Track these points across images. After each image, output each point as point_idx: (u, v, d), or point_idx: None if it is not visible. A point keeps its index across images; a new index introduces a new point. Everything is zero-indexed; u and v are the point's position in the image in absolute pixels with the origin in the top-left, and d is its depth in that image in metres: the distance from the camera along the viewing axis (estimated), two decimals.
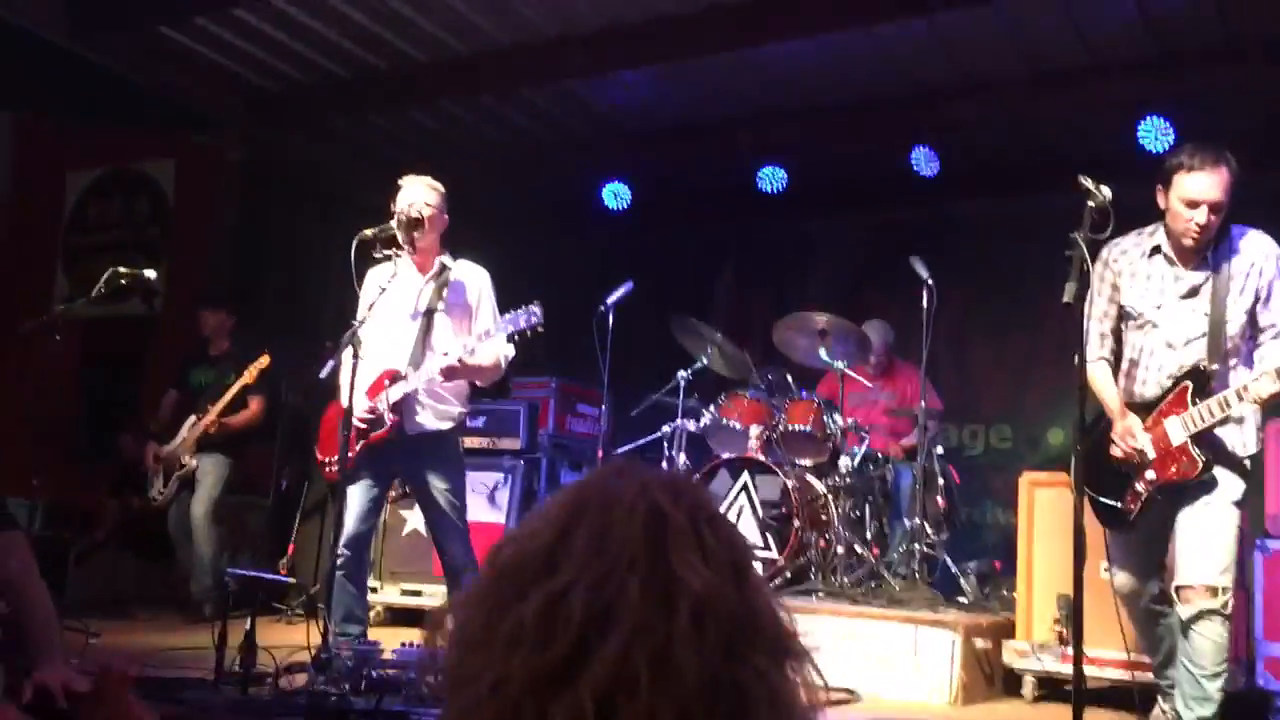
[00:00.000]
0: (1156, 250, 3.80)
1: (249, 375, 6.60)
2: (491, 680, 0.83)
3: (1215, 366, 3.66)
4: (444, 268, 4.72)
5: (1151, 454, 3.72)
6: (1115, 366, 3.93)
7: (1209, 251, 3.72)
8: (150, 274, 5.41)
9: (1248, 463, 3.73)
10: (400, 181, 4.71)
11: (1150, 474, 3.73)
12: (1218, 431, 3.67)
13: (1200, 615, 3.56)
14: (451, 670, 0.88)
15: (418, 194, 4.64)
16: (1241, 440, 3.72)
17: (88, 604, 5.96)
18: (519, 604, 0.85)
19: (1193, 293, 3.74)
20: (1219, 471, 3.64)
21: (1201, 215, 3.61)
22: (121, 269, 5.19)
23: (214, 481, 6.63)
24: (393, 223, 4.54)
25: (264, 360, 6.60)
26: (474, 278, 4.76)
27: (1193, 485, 3.65)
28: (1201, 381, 3.66)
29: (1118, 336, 3.91)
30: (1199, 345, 3.70)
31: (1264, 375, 3.51)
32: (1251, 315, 3.70)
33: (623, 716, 0.81)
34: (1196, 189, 3.60)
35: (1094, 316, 3.85)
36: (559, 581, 0.85)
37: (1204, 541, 3.61)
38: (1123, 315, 3.88)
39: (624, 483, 0.92)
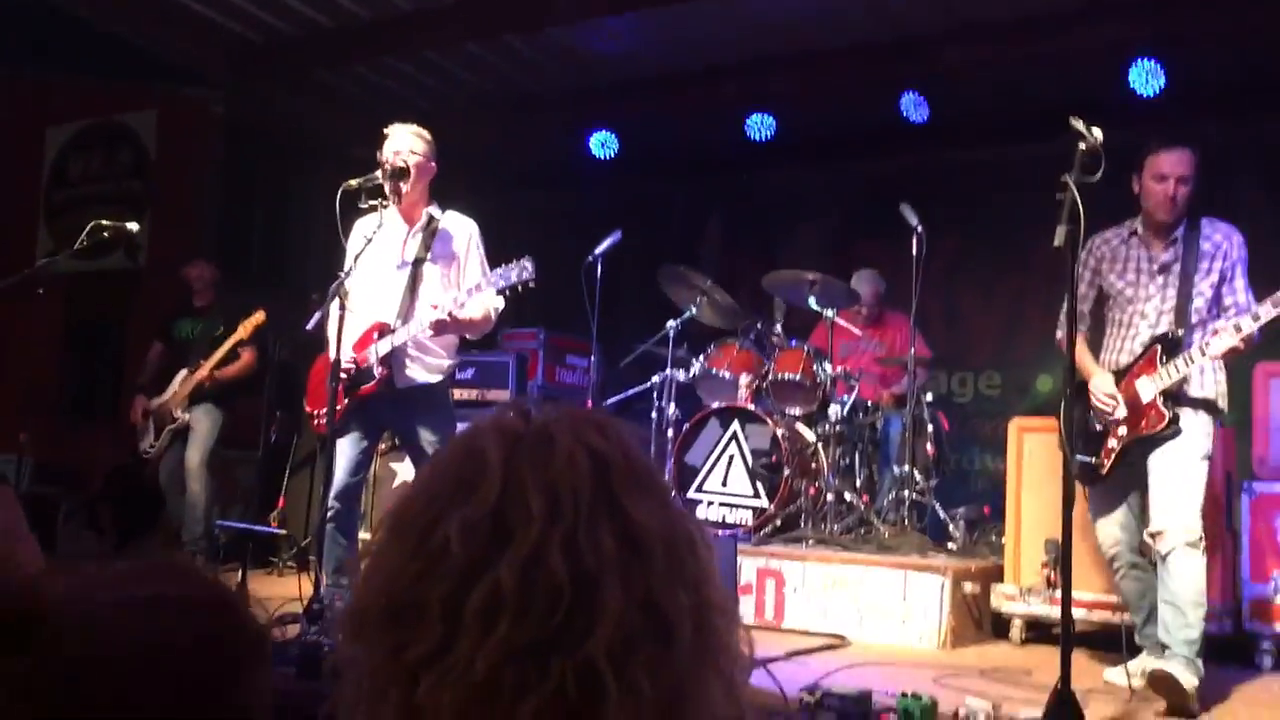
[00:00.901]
0: (1134, 234, 4.19)
1: (244, 330, 6.55)
2: (466, 655, 0.79)
3: (1182, 332, 3.99)
4: (432, 218, 4.66)
5: (1124, 411, 4.00)
6: (1092, 345, 4.25)
7: (1179, 234, 4.10)
8: (133, 226, 5.35)
9: (1211, 425, 4.00)
10: (386, 130, 4.64)
11: (1123, 430, 4.00)
12: (1186, 389, 3.97)
13: (1175, 549, 3.79)
14: (376, 657, 0.83)
15: (404, 142, 4.57)
16: (1205, 381, 4.01)
17: (77, 561, 5.96)
18: (483, 572, 0.80)
19: (1164, 269, 4.10)
20: (1187, 422, 3.92)
21: (1170, 187, 4.00)
22: (104, 221, 5.13)
23: (208, 431, 6.60)
24: (378, 173, 4.48)
25: (259, 316, 6.54)
26: (462, 228, 4.71)
27: (1163, 436, 3.93)
28: (1170, 346, 3.97)
29: (1097, 315, 4.28)
30: (1169, 317, 4.05)
31: (1223, 331, 3.83)
32: (1217, 293, 4.06)
33: (630, 670, 0.79)
34: (1166, 164, 4.01)
35: (1070, 298, 3.97)
36: (527, 544, 0.81)
37: (1175, 490, 3.88)
38: (1101, 298, 4.26)
39: (548, 428, 0.87)
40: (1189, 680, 3.66)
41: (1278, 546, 4.73)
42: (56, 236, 8.78)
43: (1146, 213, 4.11)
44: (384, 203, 4.52)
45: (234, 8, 7.16)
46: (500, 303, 4.55)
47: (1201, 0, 6.31)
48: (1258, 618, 4.69)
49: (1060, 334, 4.04)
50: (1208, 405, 3.98)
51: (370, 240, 4.44)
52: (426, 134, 4.65)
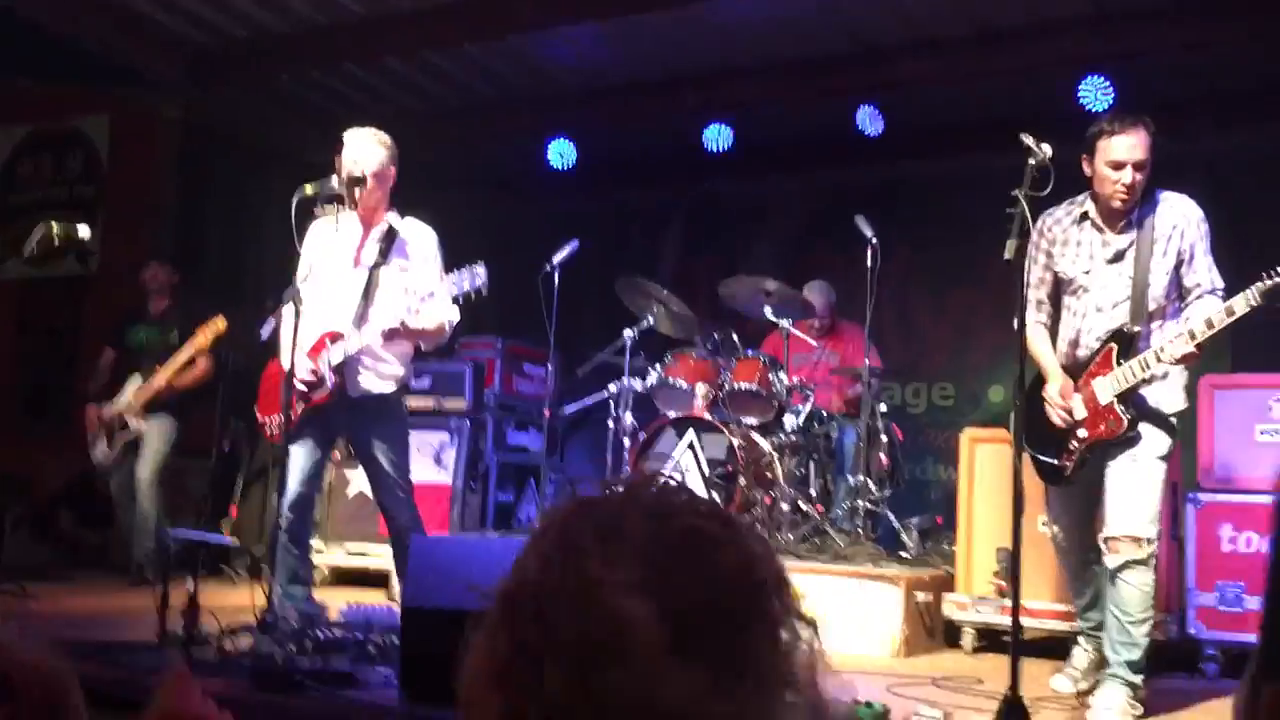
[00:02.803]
0: (1085, 217, 3.93)
1: (203, 338, 6.43)
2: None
3: (1139, 328, 3.81)
4: (390, 226, 4.62)
5: (1082, 413, 3.85)
6: (1053, 331, 4.06)
7: (1133, 216, 3.85)
8: (83, 230, 5.27)
9: (1174, 419, 3.88)
10: (343, 135, 4.59)
11: (1082, 432, 3.86)
12: (1143, 390, 3.81)
13: (1126, 565, 3.71)
14: None
15: (361, 148, 4.52)
16: (1168, 398, 3.86)
17: (25, 570, 5.87)
18: None
19: (1118, 257, 3.87)
20: (1145, 428, 3.79)
21: (1127, 175, 3.74)
22: (53, 226, 5.06)
23: (159, 445, 6.51)
24: (333, 179, 4.44)
25: (220, 323, 6.41)
26: (420, 236, 4.66)
27: (1120, 441, 3.80)
28: (1125, 343, 3.80)
29: (1055, 302, 4.05)
30: (1124, 308, 3.84)
31: (1179, 337, 3.65)
32: (1176, 277, 3.84)
33: None
34: (1120, 150, 3.74)
35: (1030, 284, 3.96)
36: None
37: (1130, 495, 3.77)
38: (1058, 282, 4.01)
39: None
40: (1129, 712, 3.66)
41: (1222, 555, 4.82)
42: (6, 242, 8.65)
43: (1099, 200, 3.88)
44: (340, 208, 4.49)
45: (189, 12, 7.10)
46: (455, 314, 4.52)
47: (1151, 18, 6.42)
48: (1203, 625, 4.77)
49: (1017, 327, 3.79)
50: (1164, 420, 3.85)
51: (326, 245, 4.41)
52: (386, 138, 4.60)
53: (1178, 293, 3.86)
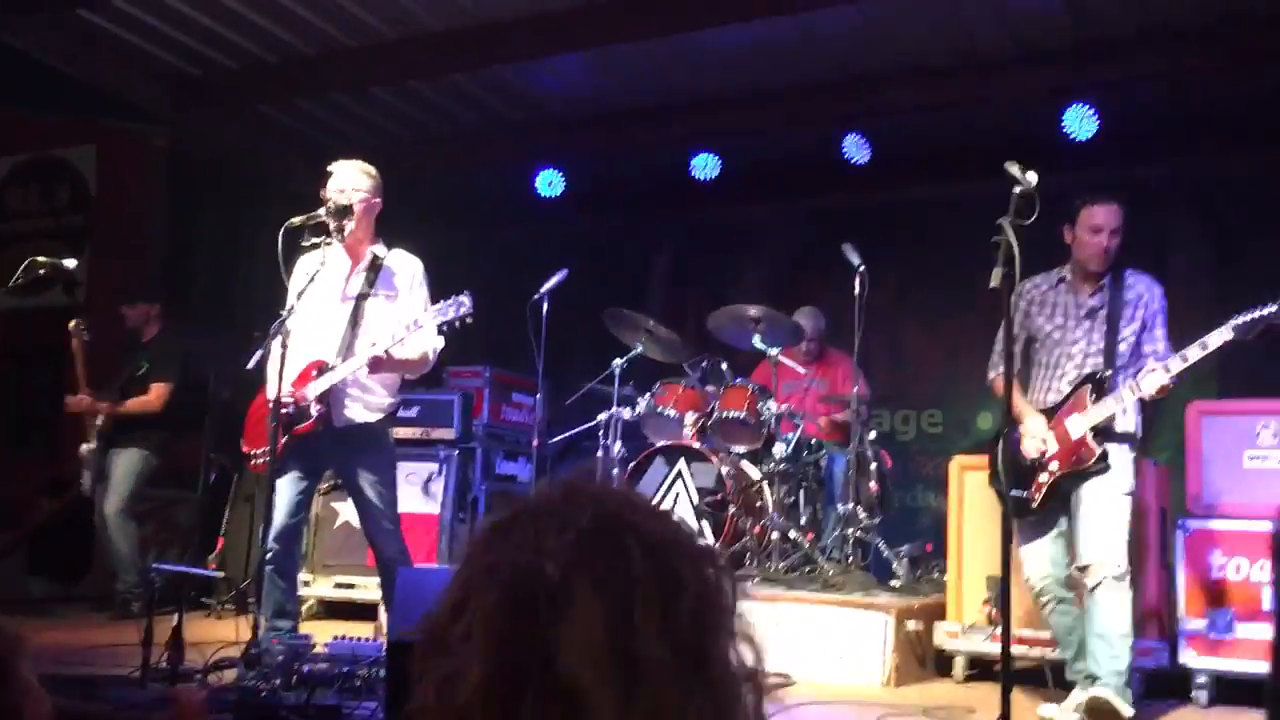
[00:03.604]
0: (1062, 281, 4.38)
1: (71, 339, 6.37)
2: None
3: (1110, 373, 4.19)
4: (376, 256, 4.62)
5: (1055, 447, 4.16)
6: (1024, 383, 4.39)
7: (1106, 280, 4.29)
8: (70, 263, 5.28)
9: (1132, 462, 4.22)
10: (330, 167, 4.60)
11: (1054, 464, 4.16)
12: (1111, 431, 4.16)
13: (1103, 582, 3.97)
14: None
15: (348, 179, 4.53)
16: (1128, 420, 4.21)
17: (9, 603, 5.81)
18: None
19: (1091, 314, 4.29)
20: (1113, 458, 4.11)
21: (1105, 239, 4.20)
22: (40, 258, 5.05)
23: (123, 475, 6.43)
24: (321, 210, 4.44)
25: (72, 324, 6.37)
26: (406, 266, 4.66)
27: (1091, 471, 4.11)
28: (1098, 386, 4.16)
29: (1024, 357, 4.41)
30: (1096, 358, 4.23)
31: (1153, 372, 4.01)
32: (1137, 340, 4.25)
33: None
34: (1099, 216, 4.20)
35: (1005, 339, 4.09)
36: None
37: (1101, 527, 4.07)
38: (1030, 339, 4.41)
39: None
40: (1125, 708, 3.77)
41: (1212, 582, 4.81)
42: None
43: (1078, 261, 4.28)
44: (327, 240, 4.48)
45: (176, 42, 7.11)
46: (440, 343, 4.50)
47: (1133, 48, 6.47)
48: (1194, 652, 4.75)
49: (992, 374, 4.34)
50: (1130, 439, 4.19)
51: (313, 277, 4.40)
52: (372, 170, 4.62)
53: (1137, 356, 4.24)
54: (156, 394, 6.53)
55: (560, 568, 0.82)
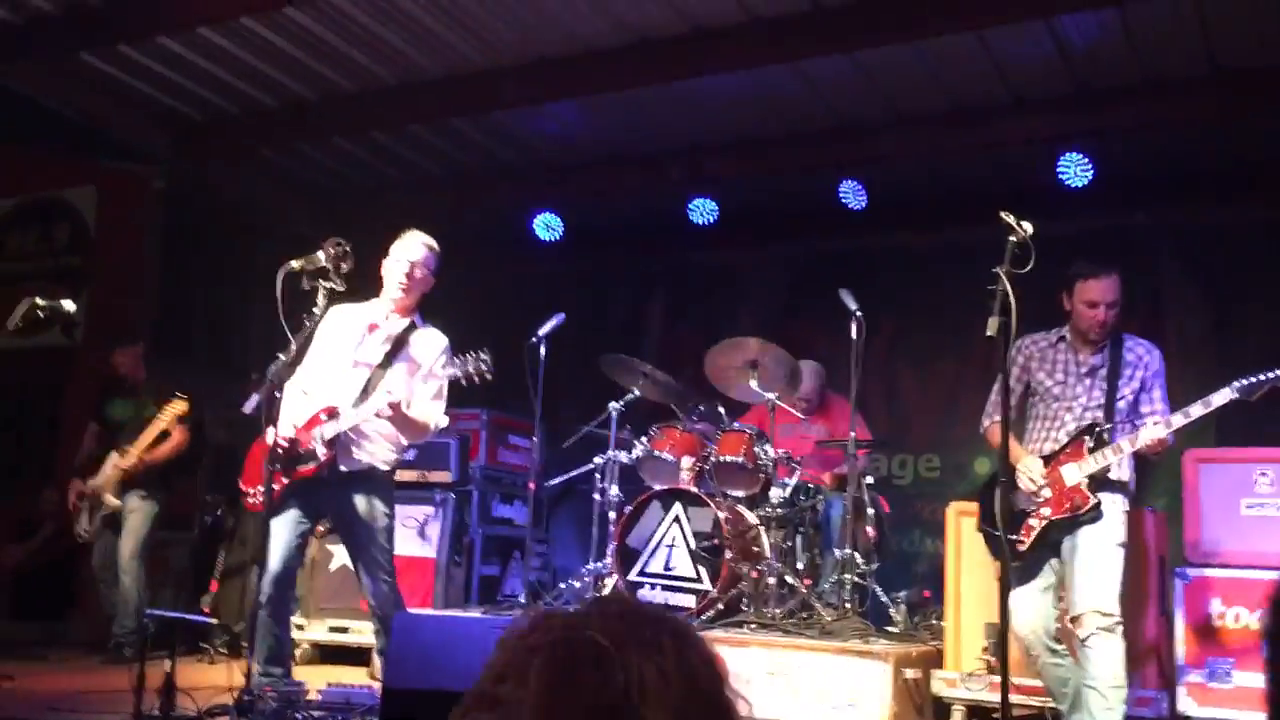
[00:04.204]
0: (1062, 339, 4.41)
1: (168, 419, 6.38)
2: None
3: (1110, 426, 4.22)
4: (412, 326, 4.70)
5: (1048, 494, 4.17)
6: (1020, 435, 4.43)
7: (1106, 344, 4.33)
8: (68, 305, 5.29)
9: (1131, 484, 4.28)
10: (401, 233, 4.77)
11: (1046, 510, 4.17)
12: (1105, 481, 4.17)
13: (1096, 632, 3.95)
14: None
15: (415, 252, 4.71)
16: (1121, 471, 4.23)
17: (4, 645, 5.78)
18: None
19: (1091, 372, 4.33)
20: (1107, 507, 4.11)
21: (1101, 313, 4.23)
22: (39, 300, 5.07)
23: (140, 522, 6.44)
24: (320, 254, 4.45)
25: (182, 405, 6.36)
26: (433, 342, 4.74)
27: (1083, 519, 4.11)
28: (1098, 436, 4.18)
29: (1019, 409, 4.45)
30: (1096, 412, 4.27)
31: (1155, 425, 4.06)
32: (1135, 399, 4.29)
33: None
34: (1095, 292, 4.23)
35: (1002, 389, 4.10)
36: None
37: (1094, 575, 4.07)
38: (1029, 392, 4.45)
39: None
40: None
41: (1211, 630, 4.79)
42: None
43: (1076, 330, 4.33)
44: (324, 283, 4.48)
45: (177, 85, 7.17)
46: (444, 421, 4.61)
47: (1129, 98, 6.53)
48: (1193, 701, 4.72)
49: (986, 423, 4.38)
50: (1124, 490, 4.22)
51: (339, 329, 4.47)
52: (435, 245, 4.74)
53: (1134, 416, 4.27)
54: (181, 435, 6.55)
55: (609, 639, 0.88)
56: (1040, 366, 4.40)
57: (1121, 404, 4.24)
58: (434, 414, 4.54)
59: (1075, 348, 4.36)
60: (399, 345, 4.63)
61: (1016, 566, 4.18)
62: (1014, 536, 4.14)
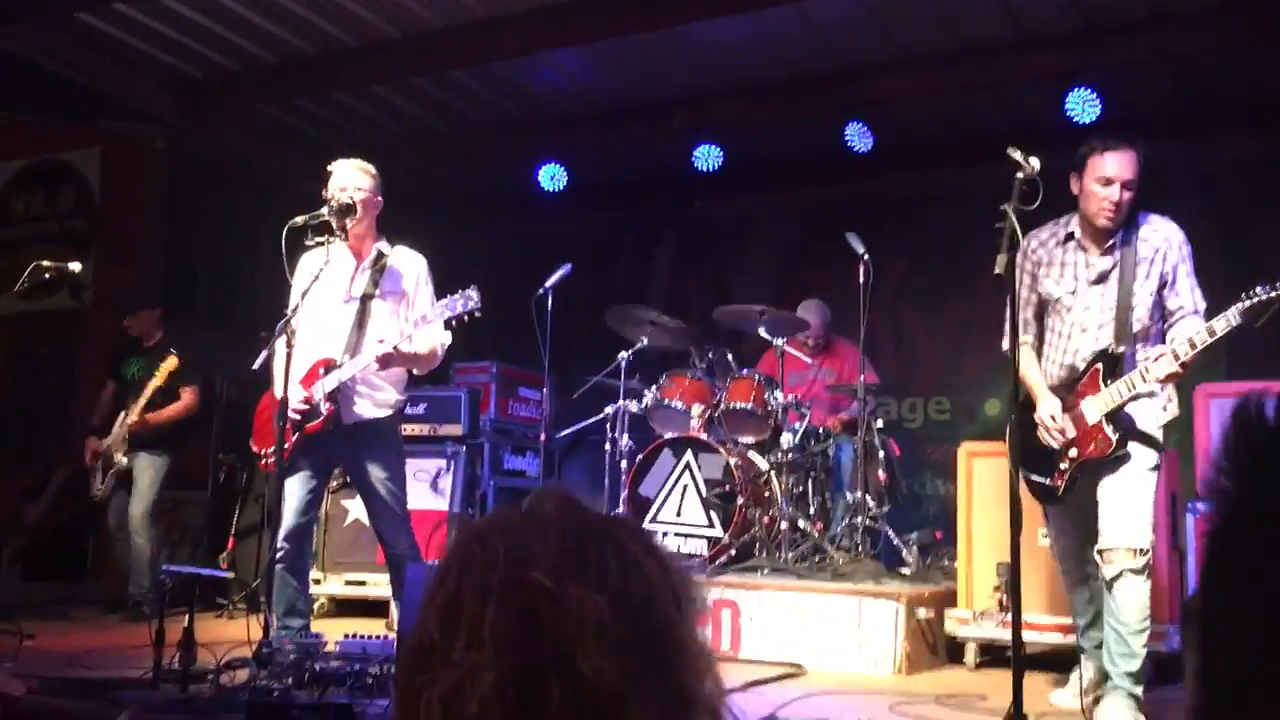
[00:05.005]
0: (1070, 237, 3.97)
1: (161, 377, 6.39)
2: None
3: (1123, 349, 3.84)
4: (380, 254, 4.65)
5: (1072, 433, 3.87)
6: (1038, 349, 4.09)
7: (1118, 237, 3.89)
8: (75, 267, 5.29)
9: (1159, 434, 3.90)
10: (330, 166, 4.62)
11: (1072, 451, 3.88)
12: (1130, 408, 3.82)
13: (1122, 574, 3.72)
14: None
15: (349, 178, 4.55)
16: (1154, 412, 3.88)
17: (20, 607, 5.83)
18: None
19: (1101, 279, 3.91)
20: (1132, 446, 3.81)
21: (1115, 192, 3.78)
22: (45, 262, 5.07)
23: (150, 481, 6.48)
24: (324, 209, 4.46)
25: (173, 361, 6.35)
26: (411, 264, 4.69)
27: (1109, 460, 3.81)
28: (1110, 364, 3.83)
29: (1040, 320, 4.08)
30: (1108, 330, 3.88)
31: (1163, 357, 3.67)
32: (1159, 299, 3.87)
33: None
34: (1110, 168, 3.78)
35: (1011, 319, 3.90)
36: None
37: (1124, 506, 3.78)
38: (1042, 302, 4.05)
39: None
40: None
41: None
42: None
43: (1086, 217, 3.90)
44: (331, 239, 4.50)
45: (176, 43, 7.11)
46: (447, 338, 4.54)
47: (1135, 30, 6.44)
48: None
49: (1006, 343, 3.86)
50: (1151, 441, 3.87)
51: (317, 276, 4.41)
52: (371, 168, 4.64)
53: (1161, 314, 3.90)
54: (190, 398, 6.58)
55: (549, 575, 0.84)
56: (1048, 273, 3.99)
57: (1139, 311, 3.84)
58: (435, 338, 4.52)
59: (1084, 245, 3.94)
60: (379, 274, 4.60)
61: (1057, 510, 4.06)
62: (1049, 481, 3.93)
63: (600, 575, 0.85)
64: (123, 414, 6.55)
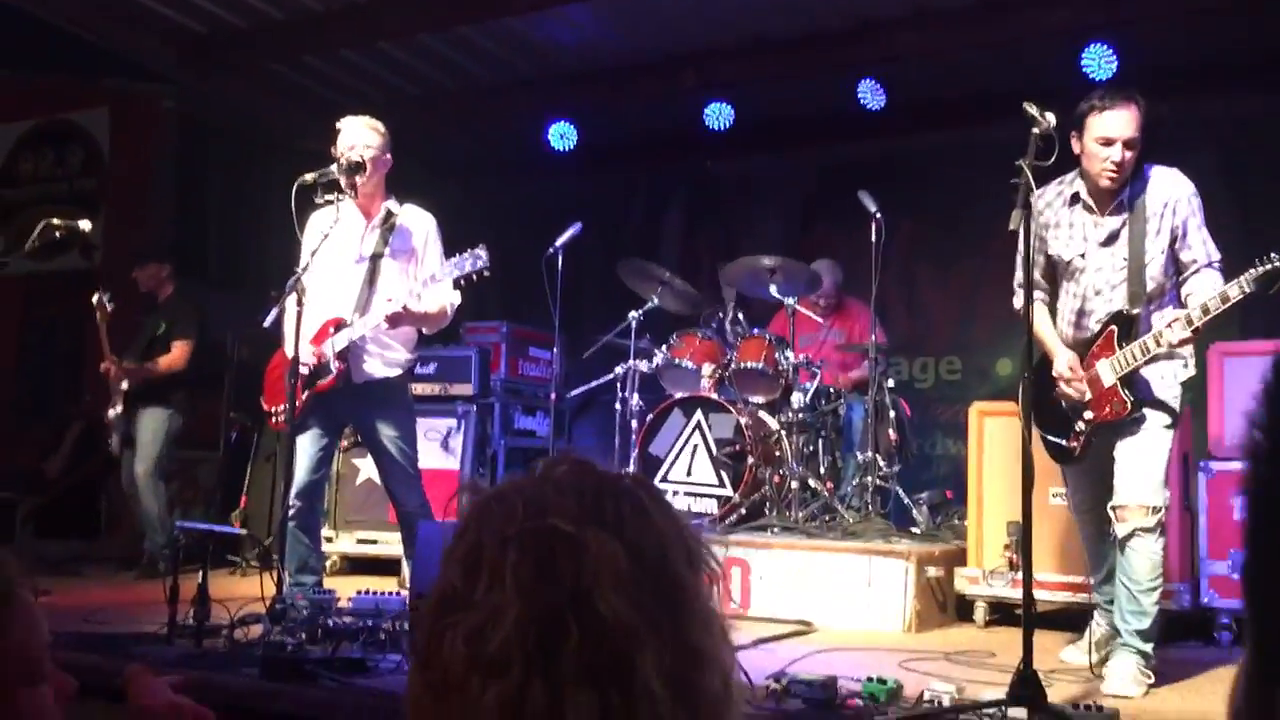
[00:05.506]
0: (1076, 198, 3.88)
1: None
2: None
3: (1137, 310, 3.78)
4: (390, 213, 4.63)
5: (1089, 394, 3.83)
6: (1052, 309, 4.04)
7: (1124, 195, 3.80)
8: (84, 224, 5.29)
9: (1177, 394, 3.85)
10: (339, 124, 4.59)
11: (1088, 414, 3.85)
12: (1146, 371, 3.78)
13: (1134, 533, 3.71)
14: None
15: (358, 135, 4.53)
16: (1172, 373, 3.83)
17: (36, 564, 5.88)
18: None
19: (1111, 239, 3.84)
20: (1148, 410, 3.77)
21: (1116, 152, 3.69)
22: (55, 220, 5.06)
23: (151, 437, 6.48)
24: (333, 167, 4.44)
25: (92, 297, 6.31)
26: (420, 222, 4.68)
27: (1125, 423, 3.78)
28: (1125, 325, 3.78)
29: (1051, 280, 4.03)
30: (1121, 290, 3.82)
31: (1176, 322, 3.62)
32: (1171, 254, 3.80)
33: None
34: (1110, 127, 3.69)
35: (1026, 281, 3.85)
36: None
37: (1138, 464, 3.75)
38: (1053, 263, 3.98)
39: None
40: (1134, 688, 3.62)
41: (1235, 524, 4.79)
42: (8, 237, 8.65)
43: (1089, 176, 3.81)
44: (340, 197, 4.48)
45: (185, 2, 7.06)
46: (457, 297, 4.53)
47: None
48: (1216, 594, 4.75)
49: (1018, 302, 3.83)
50: (1166, 409, 3.80)
51: (327, 235, 4.40)
52: (380, 126, 4.61)
53: (1175, 269, 3.83)
54: (180, 352, 6.57)
55: (570, 522, 0.85)
56: (1055, 235, 3.91)
57: (1153, 269, 3.76)
58: (445, 297, 4.51)
59: (1091, 206, 3.84)
60: (388, 232, 4.59)
61: (1075, 470, 4.05)
62: (1065, 442, 3.89)
63: (617, 525, 0.87)
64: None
